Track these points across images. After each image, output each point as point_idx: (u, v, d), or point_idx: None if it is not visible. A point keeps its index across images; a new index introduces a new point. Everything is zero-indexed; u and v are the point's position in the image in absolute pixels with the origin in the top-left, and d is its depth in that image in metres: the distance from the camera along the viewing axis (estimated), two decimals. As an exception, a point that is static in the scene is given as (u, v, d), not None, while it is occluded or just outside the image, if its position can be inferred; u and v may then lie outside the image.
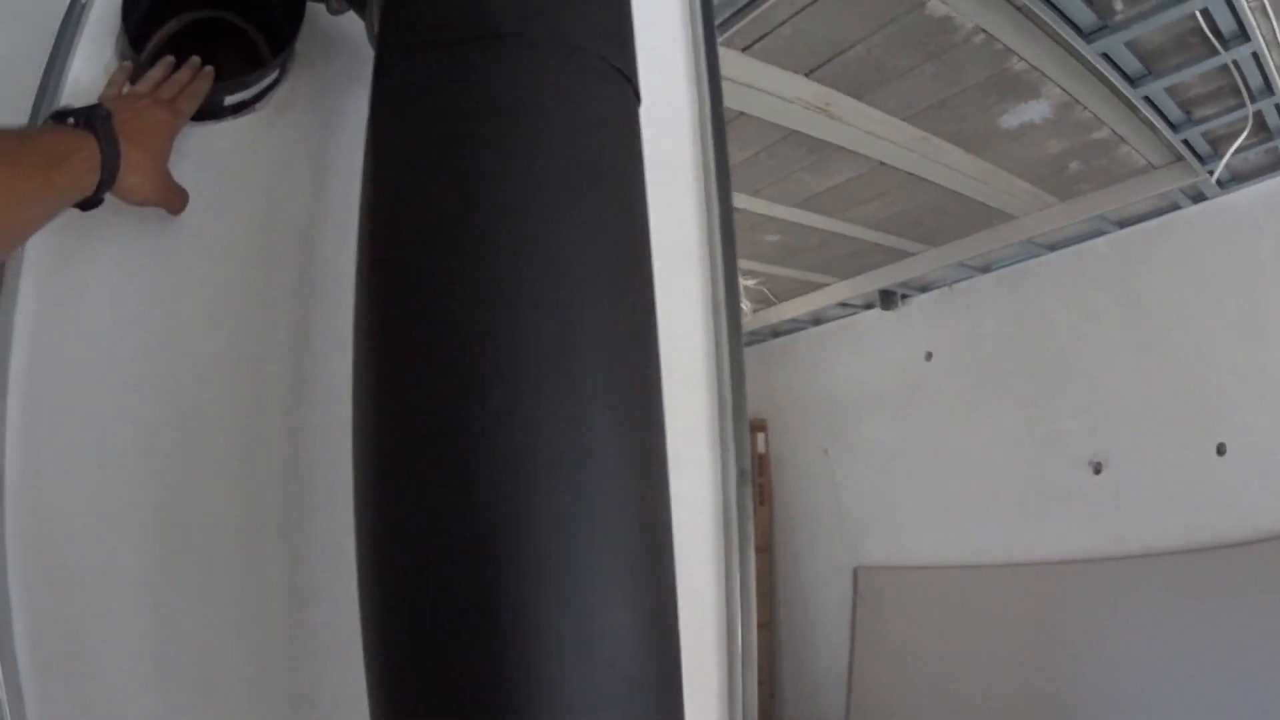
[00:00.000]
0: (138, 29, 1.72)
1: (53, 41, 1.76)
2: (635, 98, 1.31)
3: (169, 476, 1.52)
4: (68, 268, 1.59)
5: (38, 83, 1.71)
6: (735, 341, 1.99)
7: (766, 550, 9.42)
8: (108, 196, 1.38)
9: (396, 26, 1.32)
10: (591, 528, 1.00)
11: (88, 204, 1.33)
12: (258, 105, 1.76)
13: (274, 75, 1.75)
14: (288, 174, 1.76)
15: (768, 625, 9.26)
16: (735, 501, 1.88)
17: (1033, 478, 6.88)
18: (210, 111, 1.71)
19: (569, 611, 0.96)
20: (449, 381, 1.04)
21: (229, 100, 1.72)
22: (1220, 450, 5.61)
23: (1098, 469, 6.28)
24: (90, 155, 1.28)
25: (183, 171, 1.61)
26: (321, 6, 1.61)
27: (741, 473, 1.90)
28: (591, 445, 1.03)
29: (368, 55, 1.39)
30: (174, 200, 1.55)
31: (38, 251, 1.56)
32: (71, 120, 1.33)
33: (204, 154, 1.69)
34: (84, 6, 1.78)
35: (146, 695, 1.44)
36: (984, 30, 4.07)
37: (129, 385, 1.55)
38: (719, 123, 2.13)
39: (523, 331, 1.05)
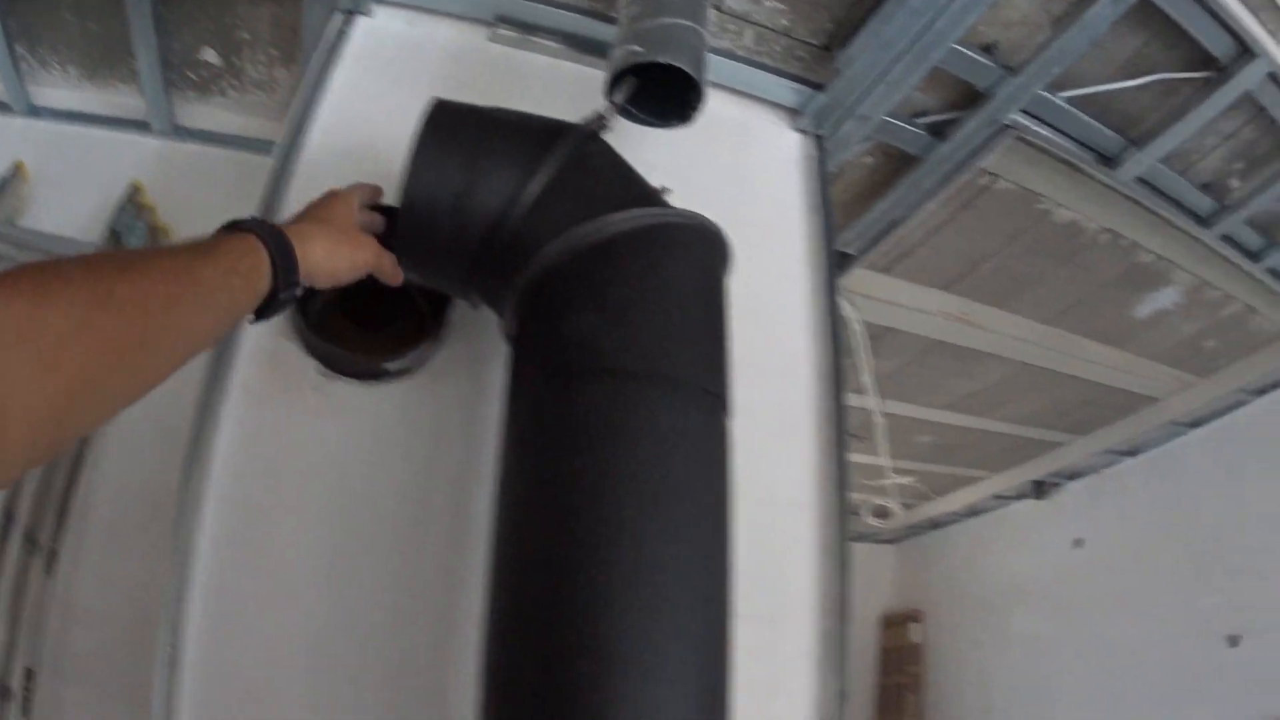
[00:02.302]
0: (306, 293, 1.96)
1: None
2: (725, 411, 1.68)
3: (326, 691, 1.80)
4: (248, 504, 1.91)
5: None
6: (843, 580, 2.33)
7: None
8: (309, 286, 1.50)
9: (526, 351, 1.70)
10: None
11: (272, 300, 1.38)
12: (416, 370, 2.10)
13: (430, 345, 2.08)
14: (443, 432, 2.09)
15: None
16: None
17: (1174, 656, 6.94)
18: (372, 375, 2.06)
19: None
20: (556, 666, 1.33)
21: (390, 366, 2.03)
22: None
23: (1234, 642, 6.38)
24: (245, 240, 1.33)
25: (349, 426, 2.04)
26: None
27: (841, 694, 2.20)
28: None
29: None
30: (381, 265, 1.67)
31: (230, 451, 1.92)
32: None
33: (368, 411, 2.05)
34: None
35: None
36: (1109, 230, 4.39)
37: (297, 602, 1.85)
38: (838, 381, 2.60)
39: (610, 614, 1.35)
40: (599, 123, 1.83)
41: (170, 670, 1.69)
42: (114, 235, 3.27)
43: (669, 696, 1.32)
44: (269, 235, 1.36)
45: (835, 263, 2.77)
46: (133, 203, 3.41)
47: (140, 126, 3.76)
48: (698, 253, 1.78)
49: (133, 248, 1.44)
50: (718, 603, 1.50)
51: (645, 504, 1.43)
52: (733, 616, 1.52)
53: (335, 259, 1.52)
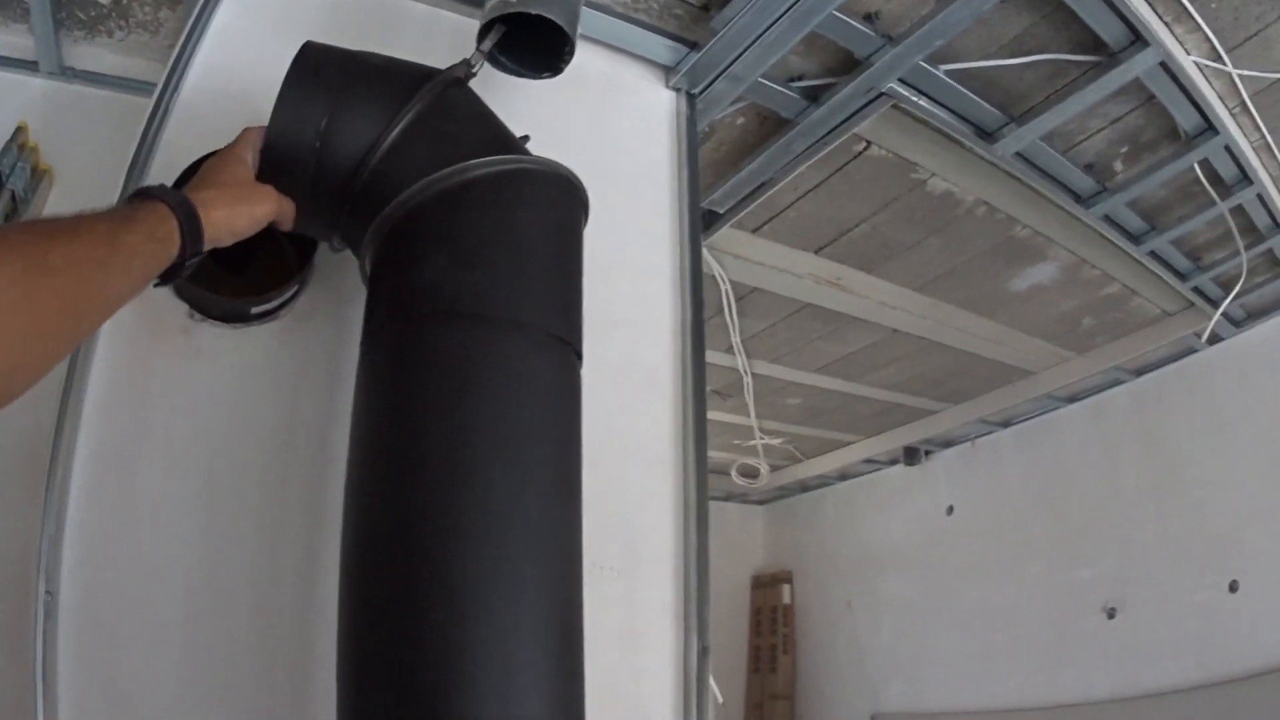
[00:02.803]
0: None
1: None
2: (576, 358, 1.73)
3: (200, 625, 1.83)
4: (120, 446, 1.91)
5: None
6: (702, 535, 2.42)
7: (789, 697, 10.01)
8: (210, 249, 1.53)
9: (380, 293, 1.74)
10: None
11: (178, 265, 1.44)
12: (280, 314, 2.12)
13: (294, 289, 2.09)
14: (306, 373, 2.13)
15: (788, 772, 9.71)
16: (695, 674, 2.26)
17: (1050, 625, 7.17)
18: (238, 318, 2.08)
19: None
20: (409, 608, 1.38)
21: (255, 309, 2.06)
22: (1233, 587, 5.69)
23: (1111, 614, 6.47)
24: (156, 209, 1.39)
25: (216, 370, 2.06)
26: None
27: (703, 649, 2.28)
28: (516, 676, 1.37)
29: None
30: (282, 210, 1.70)
31: (98, 403, 1.90)
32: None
33: (234, 354, 2.06)
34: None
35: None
36: (985, 202, 4.47)
37: (169, 541, 1.87)
38: (698, 337, 2.51)
39: (460, 556, 1.40)
40: (464, 70, 1.88)
41: (47, 618, 1.71)
42: (-3, 176, 3.26)
43: (522, 640, 1.37)
44: (177, 204, 1.42)
45: (700, 220, 2.80)
46: (16, 144, 3.39)
47: (29, 66, 3.73)
48: (554, 200, 1.83)
49: (60, 215, 1.42)
50: (568, 546, 1.55)
51: (495, 448, 1.49)
52: (582, 562, 1.57)
53: (235, 218, 1.57)
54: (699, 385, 2.53)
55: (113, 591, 1.79)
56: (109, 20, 3.58)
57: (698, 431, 2.49)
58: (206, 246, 1.50)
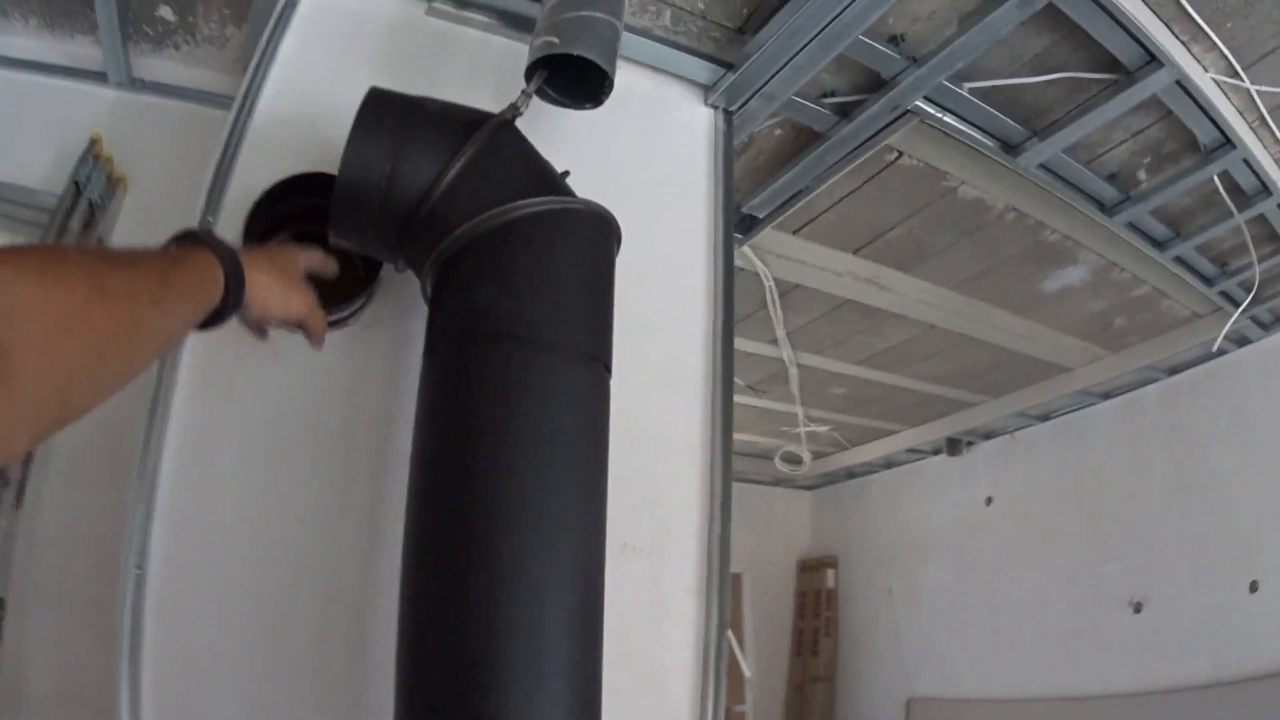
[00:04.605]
0: (259, 240, 2.29)
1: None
2: (606, 371, 2.00)
3: (271, 598, 2.11)
4: (204, 438, 2.18)
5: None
6: (725, 519, 2.68)
7: (829, 679, 10.22)
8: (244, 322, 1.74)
9: (439, 315, 2.01)
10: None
11: (217, 315, 1.51)
12: (350, 321, 2.35)
13: (364, 299, 2.32)
14: (370, 376, 2.37)
15: (827, 749, 9.94)
16: (715, 646, 2.53)
17: (1078, 617, 7.36)
18: None
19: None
20: (460, 576, 1.69)
21: (333, 316, 2.19)
22: (1253, 588, 5.83)
23: (1138, 608, 6.60)
24: (207, 260, 1.46)
25: (290, 372, 2.28)
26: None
27: (721, 623, 2.56)
28: (544, 632, 1.66)
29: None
30: (312, 319, 1.92)
31: (179, 424, 2.16)
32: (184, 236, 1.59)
33: (307, 358, 2.23)
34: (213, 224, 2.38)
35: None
36: (1015, 209, 4.69)
37: (246, 523, 2.14)
38: (728, 339, 2.84)
39: (505, 538, 1.71)
40: (512, 112, 2.15)
41: (137, 591, 1.97)
42: (75, 186, 3.43)
43: (552, 606, 1.68)
44: (226, 256, 1.51)
45: (734, 231, 3.03)
46: (91, 154, 3.57)
47: (97, 77, 3.91)
48: (589, 235, 2.10)
49: (115, 247, 1.55)
50: (594, 530, 1.86)
51: (535, 449, 1.79)
52: (605, 543, 1.87)
53: (272, 296, 1.73)
54: (727, 382, 2.82)
55: (193, 566, 2.06)
56: (176, 35, 3.80)
57: (725, 424, 2.76)
58: (248, 307, 1.63)
